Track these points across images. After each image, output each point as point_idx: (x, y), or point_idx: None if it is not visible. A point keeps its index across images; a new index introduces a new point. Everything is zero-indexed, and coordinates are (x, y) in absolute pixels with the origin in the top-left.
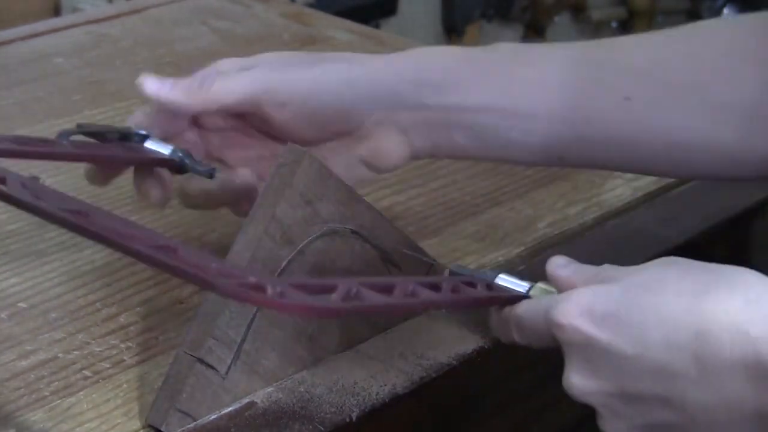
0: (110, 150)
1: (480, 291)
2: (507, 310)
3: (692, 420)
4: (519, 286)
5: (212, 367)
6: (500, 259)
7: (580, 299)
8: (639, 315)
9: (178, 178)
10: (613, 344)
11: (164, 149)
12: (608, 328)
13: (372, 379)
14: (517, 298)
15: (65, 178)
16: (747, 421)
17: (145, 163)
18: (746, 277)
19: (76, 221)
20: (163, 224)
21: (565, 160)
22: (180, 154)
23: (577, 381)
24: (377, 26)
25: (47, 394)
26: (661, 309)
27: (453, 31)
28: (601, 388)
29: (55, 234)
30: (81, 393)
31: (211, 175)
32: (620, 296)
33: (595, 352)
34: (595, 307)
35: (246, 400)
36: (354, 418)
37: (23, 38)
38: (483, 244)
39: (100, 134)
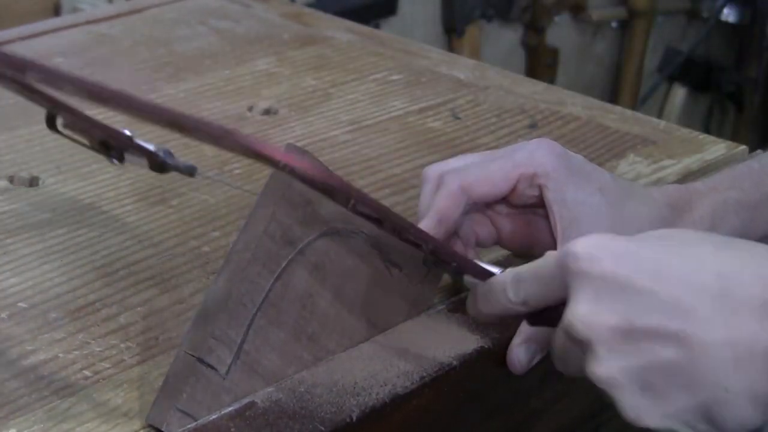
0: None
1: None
2: (500, 275)
3: (694, 359)
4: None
5: (212, 367)
6: (500, 258)
7: (600, 237)
8: (661, 253)
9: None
10: (631, 278)
11: (149, 145)
12: (627, 263)
13: (372, 379)
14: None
15: (65, 178)
16: (757, 359)
17: (130, 146)
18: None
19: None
20: (163, 224)
21: None
22: (163, 150)
23: (584, 312)
24: (377, 26)
25: (47, 394)
26: (683, 251)
27: (453, 31)
28: (607, 322)
29: (56, 234)
30: (81, 393)
31: (191, 173)
32: (641, 240)
33: (608, 285)
34: (614, 243)
35: (246, 400)
36: (354, 418)
37: (23, 38)
38: None
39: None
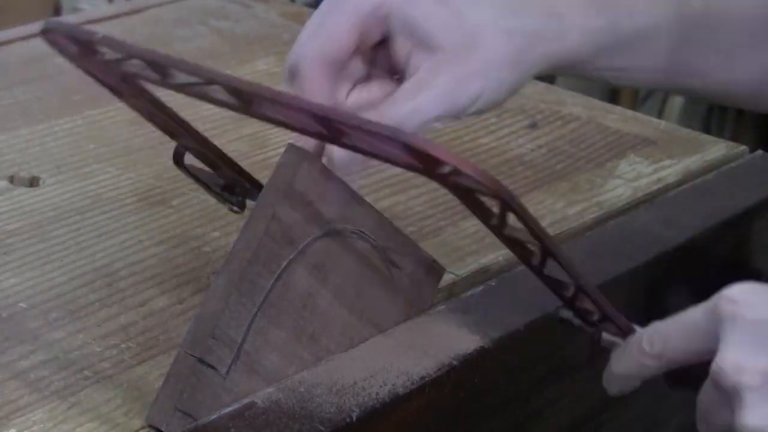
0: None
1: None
2: (642, 332)
3: None
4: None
5: (212, 367)
6: (500, 259)
7: (756, 284)
8: None
9: None
10: None
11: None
12: None
13: (372, 379)
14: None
15: (65, 178)
16: None
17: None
18: None
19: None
20: (163, 224)
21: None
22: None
23: (735, 359)
24: None
25: (47, 394)
26: None
27: None
28: (760, 368)
29: (56, 234)
30: (81, 393)
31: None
32: None
33: (764, 329)
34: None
35: (246, 400)
36: (354, 418)
37: (23, 38)
38: (483, 244)
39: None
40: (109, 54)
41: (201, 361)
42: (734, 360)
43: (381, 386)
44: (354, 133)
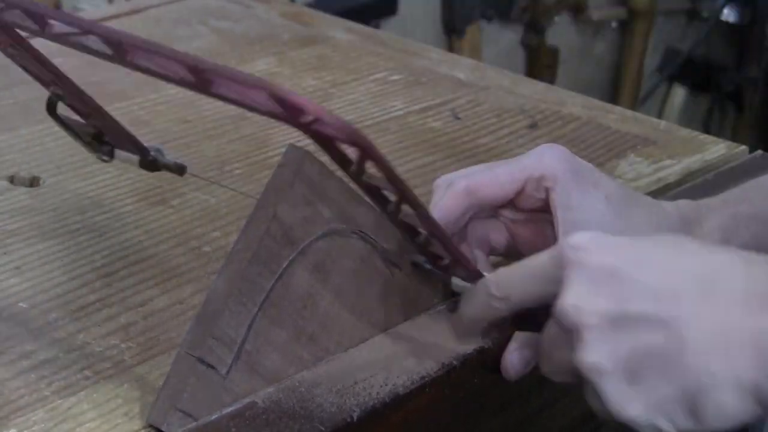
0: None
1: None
2: (489, 276)
3: (683, 345)
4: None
5: (213, 367)
6: (499, 259)
7: (596, 233)
8: (654, 246)
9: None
10: (623, 267)
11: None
12: (621, 254)
13: (372, 379)
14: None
15: (65, 178)
16: (743, 348)
17: (125, 140)
18: None
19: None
20: (163, 224)
21: None
22: (155, 148)
23: (576, 301)
24: (377, 26)
25: (48, 394)
26: (676, 246)
27: (453, 31)
28: (598, 308)
29: (56, 234)
30: (81, 393)
31: (181, 172)
32: (638, 238)
33: (602, 274)
34: (612, 237)
35: (246, 400)
36: (354, 418)
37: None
38: None
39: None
40: None
41: (201, 361)
42: (575, 301)
43: (381, 386)
44: (222, 81)
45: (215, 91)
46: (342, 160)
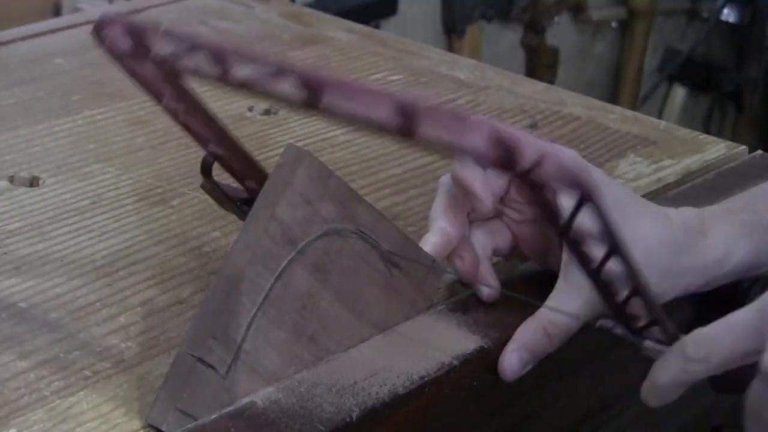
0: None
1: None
2: (687, 338)
3: None
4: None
5: (212, 367)
6: (499, 259)
7: None
8: None
9: None
10: None
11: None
12: None
13: (372, 379)
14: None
15: (65, 178)
16: None
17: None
18: None
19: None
20: (163, 224)
21: None
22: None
23: None
24: (377, 26)
25: (47, 394)
26: None
27: (453, 31)
28: None
29: (56, 234)
30: (81, 393)
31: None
32: None
33: None
34: None
35: (246, 400)
36: (354, 418)
37: (23, 38)
38: None
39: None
40: (164, 49)
41: (201, 361)
42: None
43: (381, 386)
44: (432, 122)
45: (423, 133)
46: (551, 211)
